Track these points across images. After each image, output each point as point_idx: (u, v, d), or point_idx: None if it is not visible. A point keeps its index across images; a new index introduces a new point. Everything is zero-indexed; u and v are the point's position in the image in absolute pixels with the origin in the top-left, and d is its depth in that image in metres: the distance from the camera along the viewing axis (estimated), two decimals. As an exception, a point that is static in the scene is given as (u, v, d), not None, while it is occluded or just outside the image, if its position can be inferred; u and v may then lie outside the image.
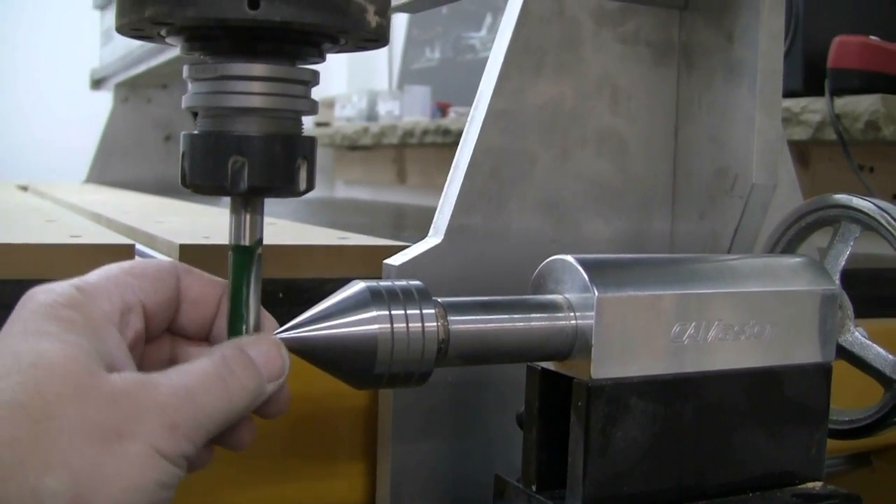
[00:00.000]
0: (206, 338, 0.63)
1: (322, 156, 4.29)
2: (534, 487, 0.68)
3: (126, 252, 0.81)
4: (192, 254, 0.82)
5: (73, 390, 0.51)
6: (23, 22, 4.18)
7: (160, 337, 0.63)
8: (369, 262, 0.84)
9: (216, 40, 0.56)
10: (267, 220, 1.16)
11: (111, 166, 2.76)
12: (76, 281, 0.57)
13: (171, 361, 0.62)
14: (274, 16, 0.51)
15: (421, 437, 0.80)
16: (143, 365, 0.59)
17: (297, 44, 0.57)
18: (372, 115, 3.66)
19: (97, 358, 0.53)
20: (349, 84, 4.41)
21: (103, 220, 1.24)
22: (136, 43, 2.19)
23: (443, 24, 3.76)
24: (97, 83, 2.92)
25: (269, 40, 0.56)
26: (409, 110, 3.40)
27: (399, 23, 4.06)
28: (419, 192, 3.30)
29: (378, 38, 0.57)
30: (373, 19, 0.55)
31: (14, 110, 4.14)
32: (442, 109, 3.29)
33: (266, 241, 0.76)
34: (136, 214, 1.29)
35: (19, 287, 0.75)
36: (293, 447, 0.80)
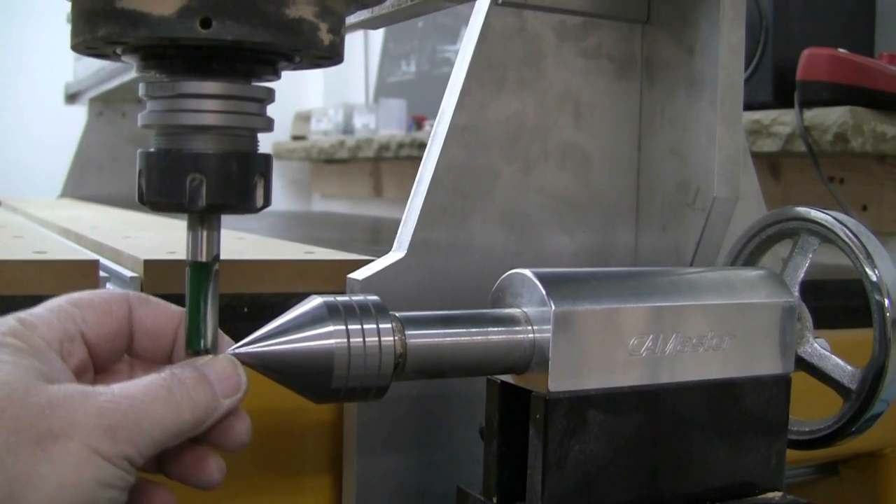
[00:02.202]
0: (166, 364, 0.64)
1: (299, 169, 4.30)
2: (495, 500, 0.69)
3: (90, 268, 0.81)
4: (157, 269, 0.82)
5: (8, 399, 0.52)
6: (-2, 37, 4.17)
7: (117, 368, 0.64)
8: (334, 276, 0.85)
9: (170, 59, 0.57)
10: (236, 234, 1.17)
11: (86, 181, 2.75)
12: (19, 314, 0.58)
13: None
14: (226, 35, 0.52)
15: (386, 451, 0.80)
16: None
17: (251, 62, 0.57)
18: (348, 129, 3.66)
19: (37, 374, 0.54)
20: (325, 98, 4.41)
21: (72, 236, 1.24)
22: (110, 58, 2.19)
23: (419, 37, 3.76)
24: (72, 98, 2.92)
25: (222, 59, 0.56)
26: (384, 124, 3.40)
27: (375, 37, 4.07)
28: (395, 206, 3.30)
29: (331, 55, 0.57)
30: (326, 37, 0.55)
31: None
32: (418, 123, 3.29)
33: (232, 257, 0.76)
34: (105, 230, 1.29)
35: (-17, 303, 0.76)
36: (259, 461, 0.80)
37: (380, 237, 1.78)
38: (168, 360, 0.64)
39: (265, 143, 0.61)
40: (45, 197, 2.76)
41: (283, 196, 4.30)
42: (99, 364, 0.62)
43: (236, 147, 0.57)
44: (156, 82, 0.58)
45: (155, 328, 0.63)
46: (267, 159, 0.59)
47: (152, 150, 0.58)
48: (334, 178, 4.05)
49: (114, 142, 2.75)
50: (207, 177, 0.56)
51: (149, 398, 0.55)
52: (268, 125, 0.60)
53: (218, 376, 0.59)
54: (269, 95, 0.60)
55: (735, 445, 0.73)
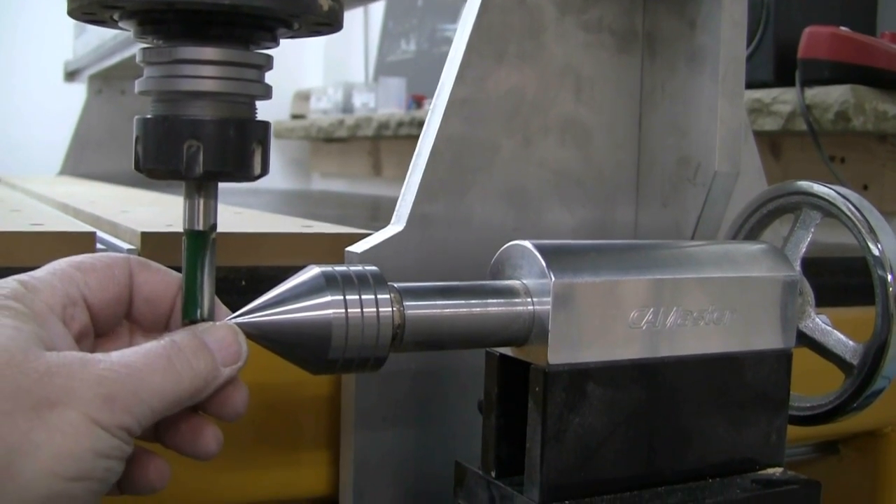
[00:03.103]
0: (163, 331, 0.63)
1: (298, 148, 4.29)
2: (493, 474, 0.68)
3: (87, 240, 0.81)
4: (154, 241, 0.81)
5: (7, 365, 0.51)
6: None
7: (117, 331, 0.63)
8: (332, 249, 0.84)
9: (168, 24, 0.56)
10: (234, 209, 1.16)
11: (85, 159, 2.75)
12: (20, 276, 0.58)
13: None
14: (224, -1, 0.51)
15: (384, 426, 0.80)
16: None
17: (250, 28, 0.57)
18: (347, 108, 3.66)
19: (37, 341, 0.53)
20: (325, 76, 4.41)
21: (70, 210, 1.23)
22: (109, 35, 2.19)
23: (418, 16, 3.76)
24: (71, 75, 2.91)
25: (220, 24, 0.55)
26: (384, 103, 3.39)
27: (375, 15, 4.06)
28: (395, 184, 3.29)
29: (331, 21, 0.57)
30: (325, 3, 0.55)
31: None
32: (417, 101, 3.29)
33: (230, 229, 0.75)
34: (103, 204, 1.28)
35: (-24, 275, 0.76)
36: (257, 436, 0.80)
37: (378, 214, 1.78)
38: (165, 327, 0.63)
39: (264, 119, 0.60)
40: (44, 175, 2.76)
41: (281, 175, 4.29)
42: (99, 328, 0.61)
43: (234, 114, 0.57)
44: (153, 48, 0.57)
45: (154, 294, 0.63)
46: (265, 126, 0.59)
47: (149, 116, 0.58)
48: (333, 157, 4.05)
49: (113, 119, 2.74)
50: (205, 143, 0.55)
51: (148, 367, 0.55)
52: (266, 92, 0.59)
53: (218, 344, 0.59)
54: (268, 62, 0.59)
55: (735, 420, 0.73)
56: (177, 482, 0.77)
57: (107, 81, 2.74)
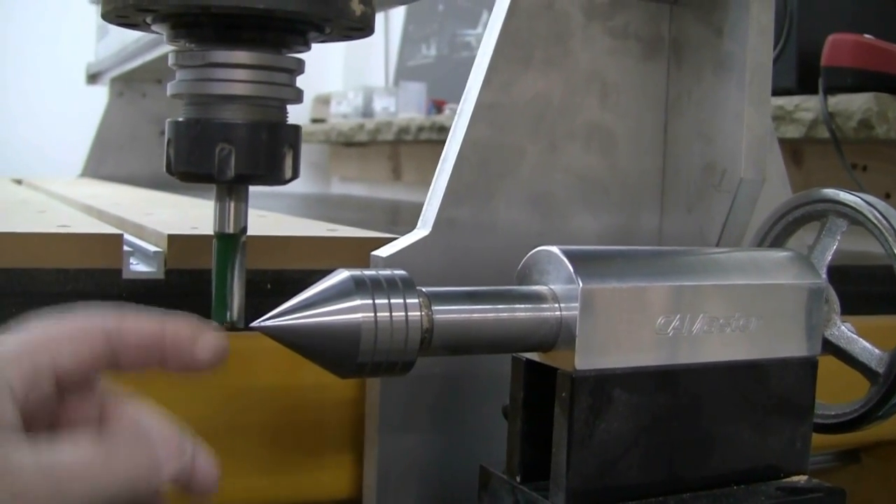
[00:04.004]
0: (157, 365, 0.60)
1: (318, 152, 4.30)
2: (518, 478, 0.69)
3: (114, 242, 0.81)
4: (180, 244, 0.82)
5: None
6: (19, 17, 4.17)
7: (93, 385, 0.59)
8: (357, 253, 0.84)
9: (201, 27, 0.56)
10: (258, 212, 1.17)
11: (106, 161, 2.76)
12: None
13: (102, 414, 0.59)
14: (258, 3, 0.52)
15: (408, 429, 0.80)
16: (63, 421, 0.57)
17: (282, 32, 0.57)
18: (368, 112, 3.66)
19: None
20: (345, 81, 4.41)
21: (94, 212, 1.24)
22: (131, 38, 2.19)
23: (439, 21, 3.76)
24: (93, 78, 2.92)
25: (253, 28, 0.56)
26: (404, 107, 3.40)
27: (396, 20, 4.06)
28: (414, 189, 3.30)
29: (363, 26, 0.57)
30: (357, 7, 0.55)
31: (10, 105, 4.13)
32: (437, 106, 3.29)
33: (255, 233, 0.76)
34: (127, 207, 1.29)
35: (7, 276, 0.76)
36: (280, 439, 0.80)
37: (398, 218, 1.78)
38: (160, 366, 0.60)
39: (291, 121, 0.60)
40: (65, 176, 2.77)
41: (301, 179, 4.24)
42: (72, 387, 0.57)
43: (266, 117, 0.57)
44: (185, 51, 0.57)
45: (141, 341, 0.59)
46: (296, 130, 0.59)
47: (181, 119, 0.58)
48: (353, 161, 4.05)
49: (134, 122, 2.75)
50: (236, 147, 0.56)
51: (79, 465, 0.52)
52: (297, 96, 0.60)
53: (162, 440, 0.56)
54: (300, 66, 0.59)
55: (760, 428, 0.73)
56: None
57: (128, 84, 2.75)
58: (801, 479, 0.74)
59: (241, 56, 0.56)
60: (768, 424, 0.73)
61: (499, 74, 0.82)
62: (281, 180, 0.58)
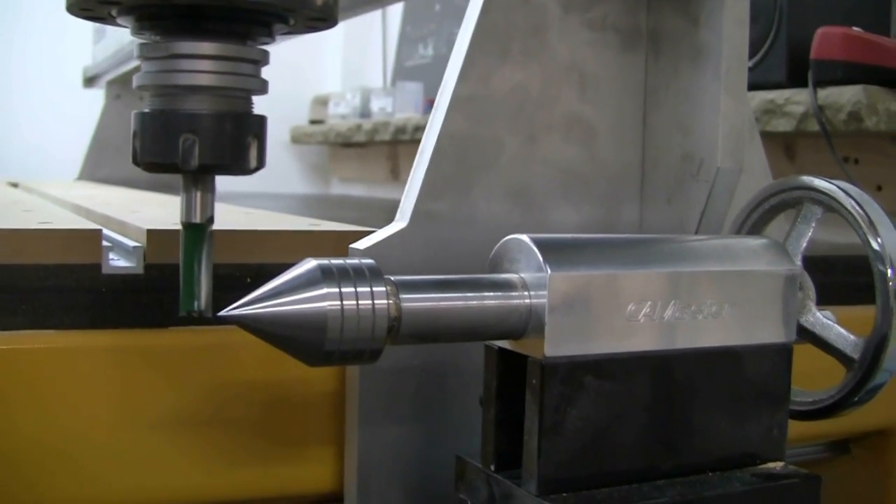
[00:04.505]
0: None
1: (317, 153, 4.30)
2: (492, 467, 0.69)
3: (94, 237, 0.81)
4: (160, 238, 0.82)
5: None
6: (16, 21, 4.18)
7: None
8: (337, 247, 0.85)
9: (165, 19, 0.57)
10: (243, 209, 1.17)
11: (104, 163, 2.76)
12: None
13: None
14: (218, -7, 0.52)
15: (388, 422, 0.80)
16: None
17: (246, 22, 0.57)
18: (365, 112, 3.67)
19: None
20: (343, 81, 4.42)
21: (82, 211, 1.24)
22: (127, 39, 2.19)
23: (436, 20, 3.76)
24: (90, 81, 2.93)
25: (216, 19, 0.56)
26: (401, 107, 3.40)
27: (392, 20, 4.07)
28: (413, 189, 3.29)
29: (326, 16, 0.57)
30: (319, -3, 0.55)
31: (7, 109, 4.13)
32: (434, 106, 3.29)
33: (239, 227, 0.76)
34: (116, 206, 1.29)
35: (-13, 272, 0.77)
36: (262, 432, 0.81)
37: (395, 216, 1.78)
38: None
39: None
40: (63, 179, 2.77)
41: (300, 180, 4.31)
42: None
43: (230, 107, 0.57)
44: (150, 43, 0.58)
45: None
46: (261, 120, 0.60)
47: (147, 110, 0.58)
48: (352, 161, 4.06)
49: (131, 124, 2.75)
50: (201, 137, 0.56)
51: None
52: (262, 87, 0.60)
53: None
54: (264, 57, 0.60)
55: (735, 415, 0.73)
56: (182, 477, 0.78)
57: (125, 87, 2.75)
58: (777, 465, 0.74)
59: (204, 47, 0.56)
60: (744, 411, 0.73)
61: (476, 67, 0.82)
62: (246, 170, 0.58)
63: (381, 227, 0.83)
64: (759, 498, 0.71)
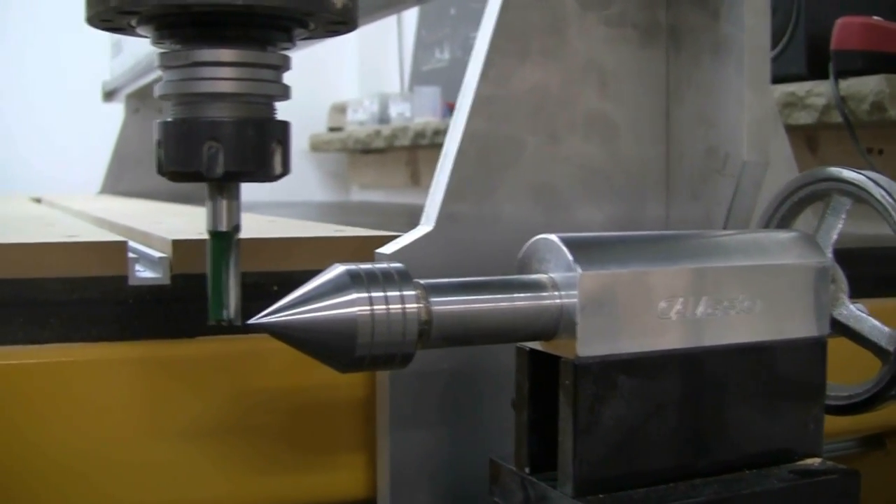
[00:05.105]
0: None
1: (336, 161, 4.30)
2: (527, 469, 0.68)
3: (119, 249, 0.81)
4: (185, 248, 0.82)
5: None
6: (35, 36, 4.20)
7: None
8: (363, 252, 0.84)
9: (184, 27, 0.56)
10: (268, 217, 1.17)
11: (125, 177, 2.77)
12: None
13: None
14: (237, 0, 0.52)
15: (419, 426, 0.80)
16: None
17: (265, 28, 0.57)
18: (384, 118, 3.67)
19: None
20: (361, 88, 4.42)
21: (105, 224, 1.24)
22: (144, 53, 2.20)
23: (451, 24, 3.76)
24: (109, 95, 2.93)
25: (236, 25, 0.56)
26: (419, 111, 3.40)
27: (408, 25, 4.07)
28: (433, 193, 3.29)
29: (346, 20, 0.57)
30: (338, 1, 0.55)
31: (29, 124, 4.15)
32: (452, 109, 3.28)
33: (263, 235, 0.76)
34: (138, 217, 1.29)
35: (15, 286, 0.77)
36: (293, 439, 0.80)
37: (416, 221, 1.78)
38: None
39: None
40: (84, 194, 2.78)
41: (320, 188, 4.31)
42: None
43: (252, 114, 0.57)
44: (170, 52, 0.57)
45: None
46: (285, 126, 0.59)
47: (169, 119, 0.58)
48: (371, 168, 4.06)
49: (151, 137, 2.74)
50: (224, 144, 0.56)
51: None
52: (284, 92, 0.60)
53: None
54: (285, 62, 0.59)
55: (770, 411, 0.72)
56: (212, 487, 0.78)
57: (144, 100, 2.76)
58: (815, 461, 0.74)
59: (225, 54, 0.56)
60: (779, 407, 0.72)
61: (495, 68, 0.82)
62: (271, 176, 0.58)
63: (403, 231, 0.83)
64: (797, 495, 0.70)
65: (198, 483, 0.79)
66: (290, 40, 0.60)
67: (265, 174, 0.58)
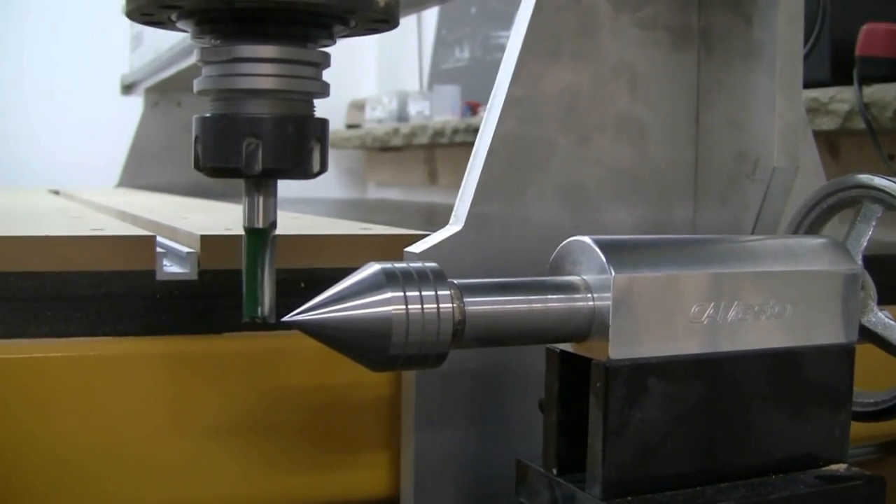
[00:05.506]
0: None
1: (353, 158, 4.30)
2: (555, 471, 0.68)
3: (147, 244, 0.81)
4: (213, 244, 0.82)
5: None
6: (55, 29, 4.21)
7: None
8: (390, 251, 0.84)
9: (225, 23, 0.56)
10: (292, 214, 1.17)
11: (142, 171, 2.77)
12: None
13: None
14: (281, -4, 0.52)
15: (444, 426, 0.80)
16: None
17: (306, 25, 0.57)
18: (402, 116, 3.67)
19: None
20: (379, 85, 4.42)
21: (128, 218, 1.25)
22: (165, 46, 2.21)
23: (471, 23, 3.76)
24: (128, 88, 2.94)
25: (277, 22, 0.56)
26: (438, 110, 3.40)
27: (428, 24, 4.07)
28: (451, 192, 3.28)
29: (388, 18, 0.57)
30: (381, -1, 0.55)
31: (47, 117, 4.17)
32: (472, 108, 3.29)
33: (288, 232, 0.76)
34: (162, 212, 1.29)
35: (42, 279, 0.77)
36: (318, 437, 0.80)
37: (434, 220, 1.78)
38: None
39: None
40: (102, 187, 2.78)
41: (337, 185, 4.31)
42: None
43: (292, 111, 0.57)
44: (210, 47, 0.57)
45: None
46: (323, 124, 0.59)
47: (208, 115, 0.58)
48: (388, 166, 4.06)
49: (169, 131, 2.76)
50: (263, 141, 0.56)
51: None
52: (324, 89, 0.59)
53: None
54: (325, 60, 0.59)
55: (798, 416, 0.72)
56: (238, 483, 0.78)
57: (163, 94, 2.76)
58: (840, 467, 0.74)
59: (265, 50, 0.56)
60: (806, 412, 0.72)
61: (528, 68, 0.82)
62: (309, 174, 0.58)
63: (421, 228, 0.83)
64: (824, 500, 0.70)
65: (220, 480, 0.79)
66: (331, 37, 0.60)
67: (303, 172, 0.58)
